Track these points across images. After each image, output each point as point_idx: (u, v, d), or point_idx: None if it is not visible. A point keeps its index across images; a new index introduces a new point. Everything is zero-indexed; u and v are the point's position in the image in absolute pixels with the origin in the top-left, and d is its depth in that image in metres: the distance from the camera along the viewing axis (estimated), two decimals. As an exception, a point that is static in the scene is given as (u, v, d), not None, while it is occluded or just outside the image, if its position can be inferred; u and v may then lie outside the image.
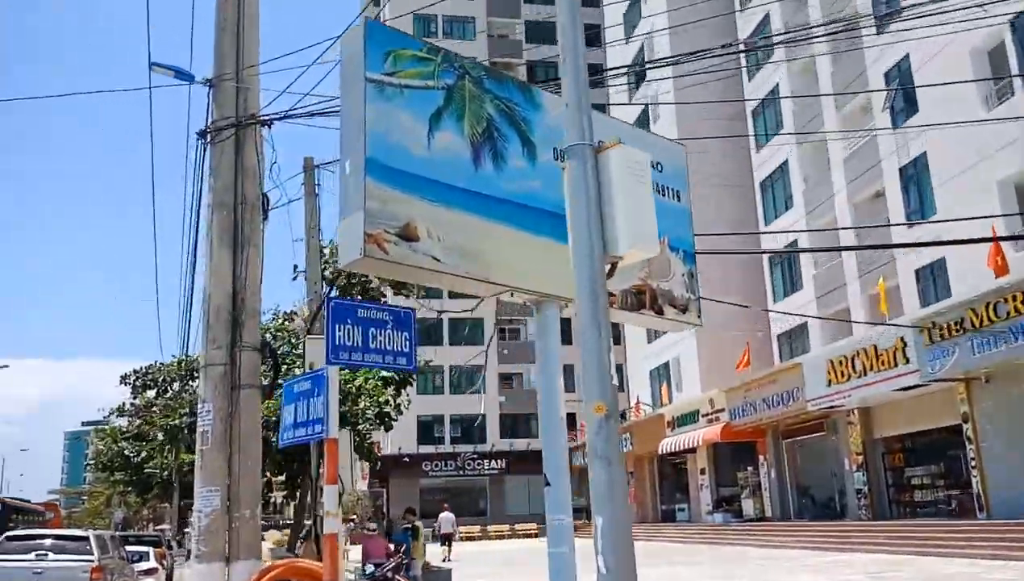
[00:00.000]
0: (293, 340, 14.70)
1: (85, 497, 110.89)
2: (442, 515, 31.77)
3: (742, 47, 31.69)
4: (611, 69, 36.38)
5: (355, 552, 19.38)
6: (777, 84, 32.82)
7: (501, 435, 54.24)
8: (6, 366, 43.60)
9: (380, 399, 15.46)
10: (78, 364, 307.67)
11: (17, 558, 11.75)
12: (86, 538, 12.46)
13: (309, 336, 8.93)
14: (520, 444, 53.73)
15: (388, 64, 5.20)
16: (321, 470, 8.91)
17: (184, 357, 21.11)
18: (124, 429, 44.67)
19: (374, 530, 14.58)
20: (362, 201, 4.76)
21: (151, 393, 29.34)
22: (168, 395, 26.98)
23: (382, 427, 16.44)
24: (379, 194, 4.84)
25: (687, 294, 6.60)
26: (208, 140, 9.57)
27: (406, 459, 51.59)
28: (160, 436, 18.25)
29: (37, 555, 11.81)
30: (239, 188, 9.44)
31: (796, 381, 25.25)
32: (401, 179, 4.99)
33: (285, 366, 13.28)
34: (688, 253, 6.78)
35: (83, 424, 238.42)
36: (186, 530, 60.19)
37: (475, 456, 52.98)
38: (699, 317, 6.49)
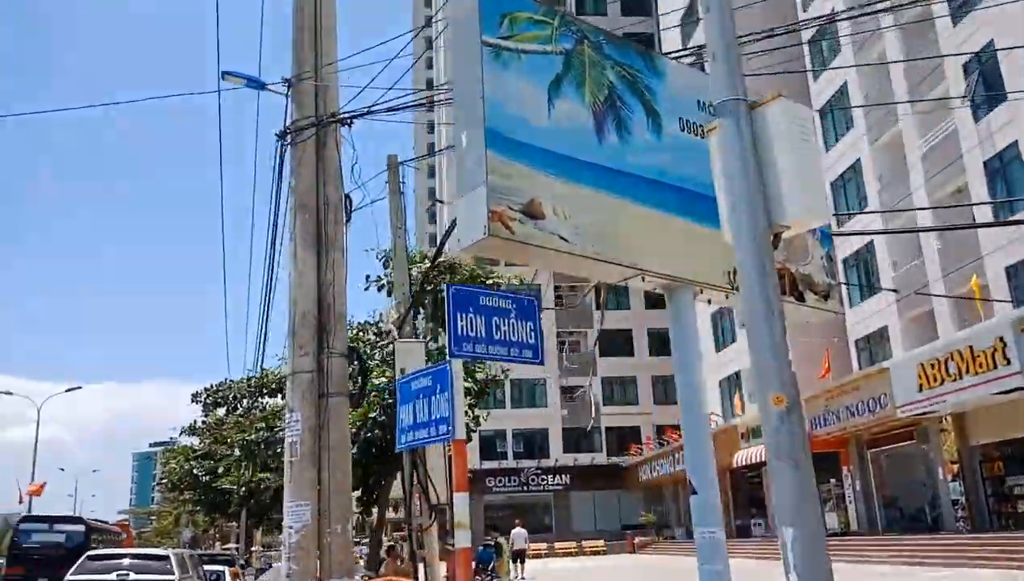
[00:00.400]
0: (369, 350, 14.32)
1: (154, 517, 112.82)
2: (515, 531, 31.12)
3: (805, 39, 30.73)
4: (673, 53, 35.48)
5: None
6: (845, 82, 31.72)
7: (564, 450, 53.41)
8: (79, 387, 44.47)
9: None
10: (144, 387, 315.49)
11: (99, 578, 11.52)
12: (167, 557, 12.20)
13: (400, 340, 8.46)
14: (584, 459, 52.86)
15: (503, 28, 4.70)
16: (416, 480, 8.40)
17: (259, 372, 20.94)
18: (194, 448, 45.05)
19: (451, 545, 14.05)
20: (483, 175, 4.26)
21: (221, 411, 29.44)
22: (239, 412, 26.98)
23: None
24: (500, 168, 4.33)
25: (827, 279, 5.96)
26: (288, 141, 9.23)
27: (469, 475, 50.98)
28: (236, 452, 17.93)
29: (118, 575, 11.57)
30: (321, 189, 9.08)
31: (882, 387, 24.06)
32: (522, 151, 4.48)
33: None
34: (825, 234, 6.14)
35: (151, 445, 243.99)
36: (253, 548, 60.47)
37: (538, 471, 52.19)
38: (841, 304, 5.83)
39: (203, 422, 30.02)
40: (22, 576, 20.30)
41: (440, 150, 58.71)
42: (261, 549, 63.09)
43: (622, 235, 4.73)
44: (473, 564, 13.72)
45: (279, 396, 29.11)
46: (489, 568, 13.11)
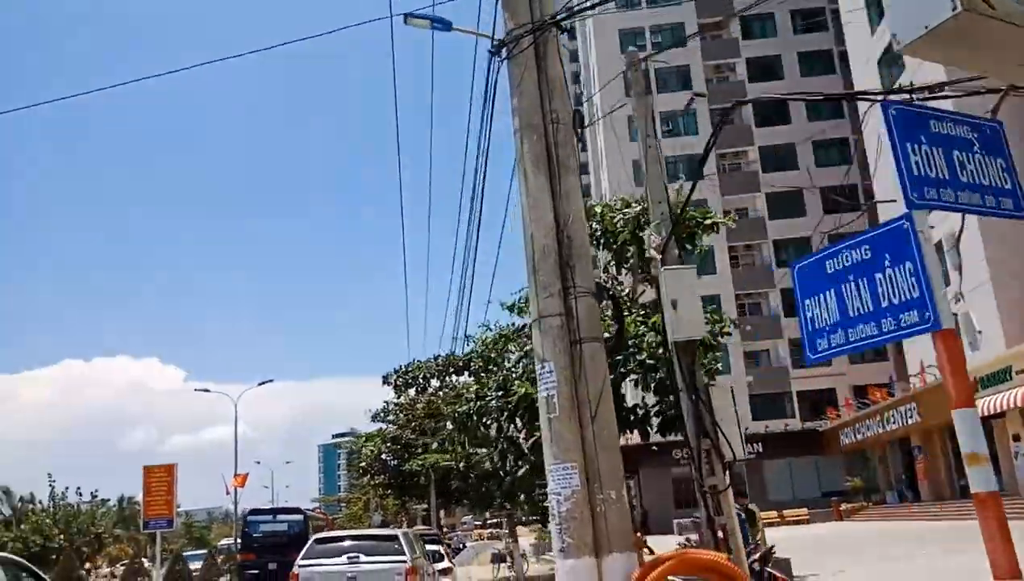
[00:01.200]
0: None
1: (343, 504, 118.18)
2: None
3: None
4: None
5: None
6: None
7: (753, 417, 50.68)
8: (270, 380, 46.32)
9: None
10: (319, 384, 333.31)
11: (330, 562, 10.90)
12: (395, 537, 11.47)
13: (665, 267, 7.07)
14: (776, 426, 50.00)
15: None
16: (704, 430, 6.98)
17: (463, 343, 20.61)
18: (385, 434, 46.09)
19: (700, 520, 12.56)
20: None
21: (412, 392, 29.41)
22: (429, 392, 26.82)
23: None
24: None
25: None
26: (503, 56, 8.04)
27: (655, 448, 49.42)
28: (449, 426, 17.29)
29: (349, 558, 10.89)
30: (546, 105, 7.82)
31: None
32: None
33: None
34: None
35: (333, 436, 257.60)
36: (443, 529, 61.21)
37: (725, 441, 49.80)
38: None
39: (395, 403, 29.98)
40: (253, 562, 23.01)
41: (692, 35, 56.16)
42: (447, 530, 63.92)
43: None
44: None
45: (465, 374, 28.96)
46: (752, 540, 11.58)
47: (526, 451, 14.55)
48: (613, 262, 14.21)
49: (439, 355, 27.00)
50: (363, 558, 10.90)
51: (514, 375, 13.95)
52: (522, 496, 18.15)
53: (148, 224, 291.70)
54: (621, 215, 13.40)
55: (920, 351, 37.55)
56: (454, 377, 26.80)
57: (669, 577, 6.34)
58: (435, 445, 32.72)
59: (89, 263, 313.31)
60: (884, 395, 40.07)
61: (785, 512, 44.24)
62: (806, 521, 42.62)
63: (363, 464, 53.23)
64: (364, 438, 52.94)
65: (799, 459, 48.77)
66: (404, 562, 10.88)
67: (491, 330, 16.88)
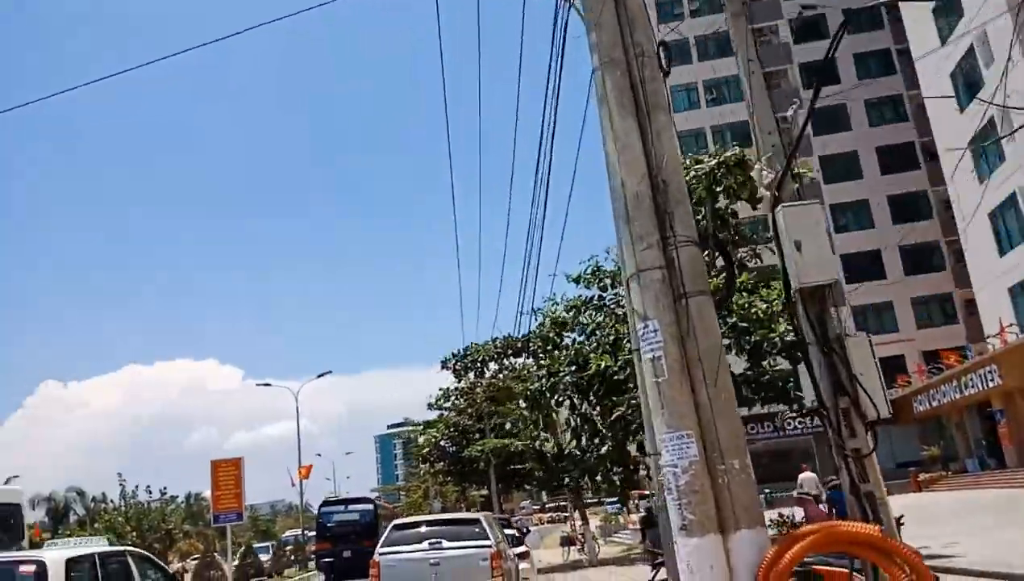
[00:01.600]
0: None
1: (402, 492, 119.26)
2: (803, 475, 28.26)
3: None
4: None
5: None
6: None
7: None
8: (329, 372, 46.35)
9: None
10: (368, 376, 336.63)
11: (412, 548, 10.36)
12: (477, 521, 10.89)
13: (784, 205, 6.30)
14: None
15: None
16: (840, 386, 6.18)
17: (523, 323, 20.09)
18: (451, 419, 45.89)
19: (808, 494, 11.80)
20: None
21: (471, 376, 28.90)
22: (488, 375, 26.29)
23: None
24: None
25: None
26: (579, -12, 7.30)
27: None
28: (521, 403, 16.57)
29: (431, 544, 10.32)
30: (628, 38, 7.07)
31: None
32: None
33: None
34: None
35: (388, 427, 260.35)
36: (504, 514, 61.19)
37: (793, 415, 48.46)
38: None
39: (455, 388, 29.49)
40: (329, 550, 23.92)
41: None
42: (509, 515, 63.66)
43: None
44: (823, 508, 11.41)
45: (523, 356, 28.46)
46: (838, 511, 10.77)
47: (602, 428, 13.87)
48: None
49: (496, 338, 26.46)
50: (445, 544, 10.34)
51: (587, 349, 13.23)
52: (599, 476, 17.48)
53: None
54: (693, 171, 12.57)
55: (997, 310, 35.92)
56: (512, 359, 26.23)
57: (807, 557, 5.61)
58: (507, 425, 32.27)
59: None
60: (958, 359, 38.45)
61: (859, 484, 42.90)
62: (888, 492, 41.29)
63: (424, 452, 53.14)
64: (423, 426, 52.78)
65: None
66: (489, 547, 10.28)
67: (558, 303, 16.12)
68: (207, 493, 23.10)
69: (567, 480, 24.11)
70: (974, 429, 39.72)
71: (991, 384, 32.97)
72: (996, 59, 31.68)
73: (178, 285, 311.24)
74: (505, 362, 26.03)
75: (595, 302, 13.61)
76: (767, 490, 43.87)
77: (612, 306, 13.05)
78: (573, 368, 12.82)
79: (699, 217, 13.51)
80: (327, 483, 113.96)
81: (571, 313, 13.62)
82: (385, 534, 10.91)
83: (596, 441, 14.27)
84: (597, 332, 12.95)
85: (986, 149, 34.09)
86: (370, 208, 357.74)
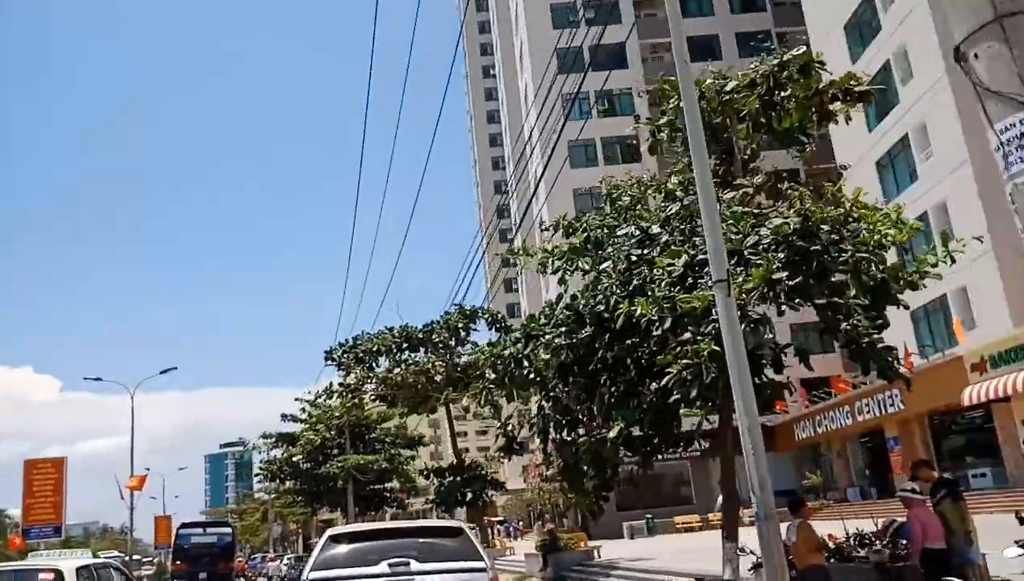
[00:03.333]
0: None
1: (233, 516, 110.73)
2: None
3: None
4: None
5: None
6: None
7: (694, 413, 48.03)
8: (174, 368, 40.49)
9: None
10: (204, 394, 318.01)
11: (362, 573, 6.66)
12: (460, 530, 7.25)
13: None
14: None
15: None
16: None
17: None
18: (310, 435, 41.55)
19: (917, 492, 8.88)
20: None
21: (350, 379, 24.74)
22: (383, 369, 22.50)
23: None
24: None
25: None
26: None
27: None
28: (490, 374, 12.16)
29: (393, 565, 6.65)
30: None
31: None
32: None
33: None
34: None
35: (221, 447, 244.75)
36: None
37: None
38: None
39: (340, 384, 25.25)
40: (185, 571, 24.24)
41: None
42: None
43: None
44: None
45: (421, 351, 24.89)
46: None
47: (582, 417, 10.58)
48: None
49: (393, 327, 22.63)
50: (416, 566, 6.67)
51: (608, 286, 9.37)
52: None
53: None
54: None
55: (900, 335, 35.43)
56: (410, 354, 22.55)
57: None
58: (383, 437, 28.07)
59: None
60: (847, 384, 37.85)
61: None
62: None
63: (273, 468, 47.82)
64: (274, 439, 47.51)
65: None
66: (484, 571, 6.72)
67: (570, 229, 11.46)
68: (14, 511, 17.87)
69: (469, 496, 20.77)
70: (857, 458, 39.27)
71: (890, 410, 32.21)
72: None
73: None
74: (404, 355, 22.32)
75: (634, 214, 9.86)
76: (648, 515, 41.78)
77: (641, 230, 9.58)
78: (564, 329, 9.26)
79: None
80: (154, 502, 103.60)
81: (600, 233, 9.76)
82: (319, 549, 7.08)
83: (569, 436, 10.93)
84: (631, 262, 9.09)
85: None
86: (229, 220, 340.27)
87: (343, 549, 6.96)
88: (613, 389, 9.87)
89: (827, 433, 38.84)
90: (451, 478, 22.81)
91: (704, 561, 20.71)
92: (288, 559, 43.61)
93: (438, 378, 21.68)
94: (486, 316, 23.44)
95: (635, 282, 8.56)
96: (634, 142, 49.63)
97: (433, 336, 22.31)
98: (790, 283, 7.94)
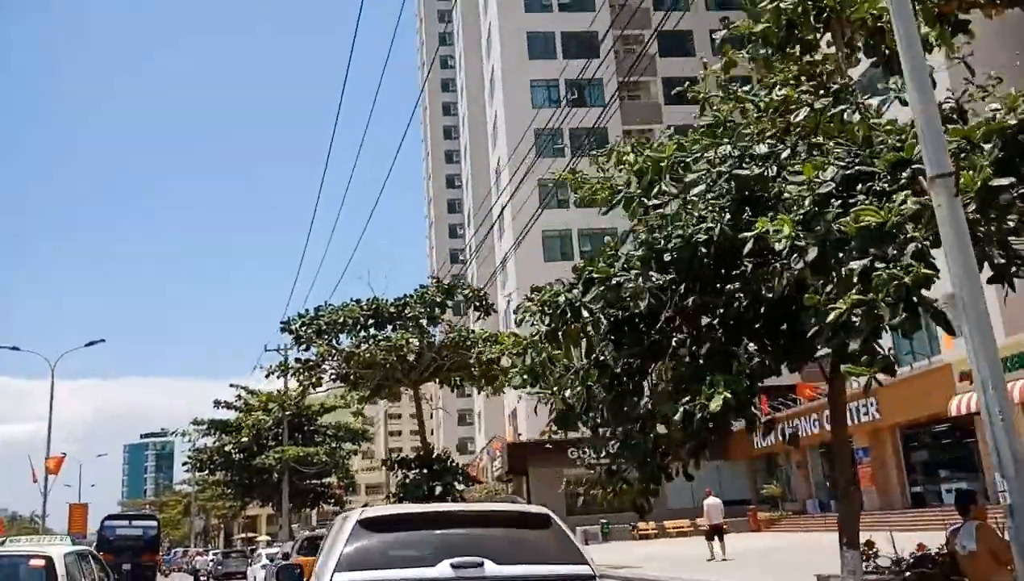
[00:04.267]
0: None
1: (153, 508, 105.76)
2: (707, 501, 24.34)
3: None
4: None
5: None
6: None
7: (649, 418, 46.63)
8: (102, 340, 37.11)
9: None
10: (125, 382, 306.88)
11: (410, 575, 4.54)
12: (547, 519, 5.15)
13: None
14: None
15: None
16: None
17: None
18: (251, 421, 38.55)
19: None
20: None
21: (310, 353, 22.27)
22: (347, 344, 20.20)
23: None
24: None
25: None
26: None
27: (548, 446, 44.21)
28: (541, 327, 9.76)
29: (457, 567, 4.56)
30: None
31: None
32: None
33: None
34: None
35: (142, 436, 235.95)
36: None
37: (629, 440, 45.40)
38: None
39: (297, 359, 22.61)
40: (112, 562, 23.90)
41: None
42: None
43: None
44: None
45: (389, 327, 22.37)
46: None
47: (627, 380, 8.69)
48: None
49: (360, 299, 20.23)
50: (492, 569, 4.59)
51: (694, 206, 7.24)
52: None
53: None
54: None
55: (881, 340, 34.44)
56: (378, 330, 20.26)
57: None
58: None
59: None
60: (813, 392, 36.75)
61: (680, 521, 40.05)
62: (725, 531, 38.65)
63: (203, 457, 44.69)
64: (206, 425, 44.44)
65: (707, 461, 45.09)
66: (592, 579, 4.68)
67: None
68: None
69: (439, 490, 18.64)
70: (819, 469, 38.23)
71: (863, 419, 31.08)
72: None
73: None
74: (371, 332, 20.02)
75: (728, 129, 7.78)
76: (603, 520, 40.03)
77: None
78: (634, 272, 7.24)
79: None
80: (68, 491, 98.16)
81: (696, 147, 7.60)
82: (345, 539, 4.89)
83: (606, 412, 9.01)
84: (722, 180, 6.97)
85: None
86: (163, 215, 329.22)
87: (381, 540, 4.79)
88: (695, 349, 7.96)
89: (781, 444, 37.69)
90: (417, 470, 20.60)
91: (695, 572, 19.10)
92: (215, 554, 40.80)
93: (411, 357, 19.53)
94: (466, 291, 21.39)
95: (746, 209, 6.66)
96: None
97: (406, 310, 20.10)
98: (1016, 192, 5.92)
